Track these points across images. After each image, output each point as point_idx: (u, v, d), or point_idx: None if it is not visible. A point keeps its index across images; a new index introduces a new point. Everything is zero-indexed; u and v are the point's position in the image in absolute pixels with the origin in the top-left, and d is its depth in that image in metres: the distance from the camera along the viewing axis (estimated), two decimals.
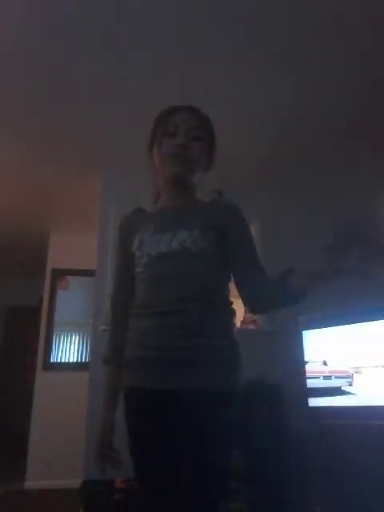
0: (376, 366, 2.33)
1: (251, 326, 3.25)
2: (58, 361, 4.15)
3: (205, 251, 1.09)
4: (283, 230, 3.41)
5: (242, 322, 3.38)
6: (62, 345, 4.20)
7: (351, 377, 2.42)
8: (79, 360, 4.17)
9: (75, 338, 4.25)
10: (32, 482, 3.52)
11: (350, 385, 2.42)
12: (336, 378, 2.49)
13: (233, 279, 1.17)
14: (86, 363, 3.81)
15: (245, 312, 3.38)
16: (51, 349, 4.14)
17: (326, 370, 2.54)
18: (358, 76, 2.42)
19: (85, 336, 4.17)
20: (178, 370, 1.00)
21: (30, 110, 2.67)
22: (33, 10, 1.98)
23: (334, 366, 2.53)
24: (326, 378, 2.54)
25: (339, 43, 2.19)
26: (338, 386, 2.46)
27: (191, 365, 1.00)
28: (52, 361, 4.11)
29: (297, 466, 2.44)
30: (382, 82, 2.46)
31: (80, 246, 4.02)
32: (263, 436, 2.53)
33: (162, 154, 1.17)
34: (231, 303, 1.16)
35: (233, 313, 1.16)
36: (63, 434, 3.55)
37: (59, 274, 4.33)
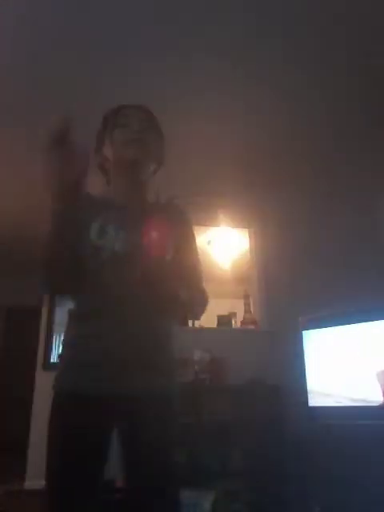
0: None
1: (251, 326, 3.25)
2: (58, 361, 4.14)
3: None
4: (283, 234, 3.42)
5: (242, 322, 3.38)
6: (54, 345, 4.19)
7: None
8: None
9: None
10: (32, 482, 3.51)
11: None
12: None
13: None
14: None
15: (245, 312, 3.39)
16: (51, 349, 4.14)
17: None
18: (357, 76, 2.42)
19: None
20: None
21: (30, 109, 2.67)
22: (33, 10, 1.98)
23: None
24: None
25: (339, 42, 2.20)
26: None
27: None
28: (52, 361, 4.11)
29: (297, 467, 2.44)
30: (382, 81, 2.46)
31: None
32: (263, 436, 2.53)
33: (118, 141, 1.15)
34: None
35: None
36: None
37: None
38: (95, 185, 1.16)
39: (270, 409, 2.59)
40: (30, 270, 5.29)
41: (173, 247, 1.10)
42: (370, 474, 2.08)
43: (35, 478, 3.51)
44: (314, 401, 2.55)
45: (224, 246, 4.32)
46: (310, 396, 2.56)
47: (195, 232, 1.26)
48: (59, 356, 1.16)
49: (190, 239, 1.22)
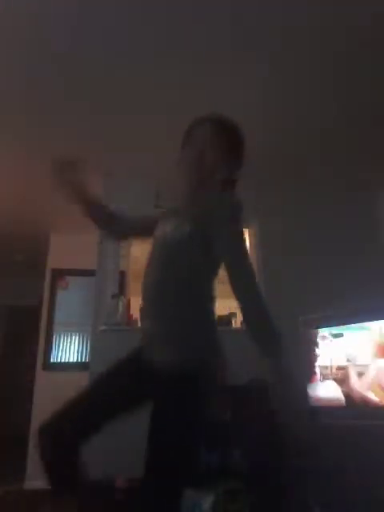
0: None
1: None
2: (58, 361, 4.15)
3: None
4: (282, 233, 3.42)
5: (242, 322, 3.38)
6: (61, 345, 4.20)
7: None
8: (79, 360, 4.16)
9: (75, 338, 4.25)
10: (32, 482, 3.52)
11: None
12: None
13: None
14: (86, 363, 3.81)
15: None
16: (51, 349, 4.14)
17: None
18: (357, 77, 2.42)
19: (85, 336, 4.17)
20: None
21: (30, 109, 2.67)
22: (33, 11, 1.98)
23: None
24: None
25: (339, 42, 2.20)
26: None
27: None
28: (52, 361, 4.11)
29: (297, 466, 2.44)
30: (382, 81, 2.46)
31: (80, 246, 4.02)
32: (263, 436, 2.53)
33: (180, 161, 1.32)
34: None
35: None
36: None
37: (59, 274, 4.33)
38: None
39: (269, 409, 2.59)
40: (30, 270, 5.31)
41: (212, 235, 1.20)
42: (370, 474, 2.08)
43: (35, 478, 3.52)
44: (314, 401, 2.55)
45: None
46: (310, 396, 2.57)
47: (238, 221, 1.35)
48: None
49: (228, 231, 1.23)
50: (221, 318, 3.51)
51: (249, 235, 3.65)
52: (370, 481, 2.08)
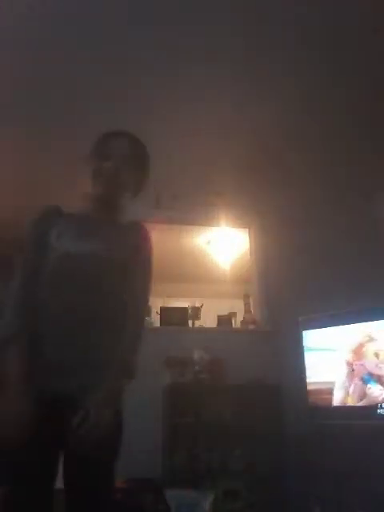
0: None
1: (251, 326, 3.25)
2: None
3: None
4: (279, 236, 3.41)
5: (242, 322, 3.38)
6: None
7: None
8: None
9: None
10: None
11: None
12: None
13: None
14: None
15: (245, 312, 3.39)
16: None
17: None
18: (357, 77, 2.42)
19: None
20: None
21: (30, 110, 2.67)
22: (34, 10, 1.98)
23: None
24: None
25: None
26: None
27: None
28: None
29: (297, 466, 2.44)
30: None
31: None
32: (263, 436, 2.53)
33: (94, 174, 1.27)
34: None
35: None
36: None
37: None
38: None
39: (270, 409, 2.59)
40: None
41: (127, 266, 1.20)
42: (369, 473, 2.08)
43: None
44: (313, 401, 2.55)
45: (224, 245, 4.32)
46: (309, 396, 2.57)
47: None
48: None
49: (143, 264, 1.26)
50: (221, 317, 3.51)
51: (249, 235, 3.65)
52: (370, 481, 2.08)
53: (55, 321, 1.12)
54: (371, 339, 2.39)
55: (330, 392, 2.49)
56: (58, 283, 1.16)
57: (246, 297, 3.42)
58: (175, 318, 3.25)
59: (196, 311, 3.46)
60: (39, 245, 1.22)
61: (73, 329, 1.11)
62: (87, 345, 1.10)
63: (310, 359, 2.63)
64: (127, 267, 1.20)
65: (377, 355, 2.35)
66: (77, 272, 1.16)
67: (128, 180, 1.29)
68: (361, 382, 2.38)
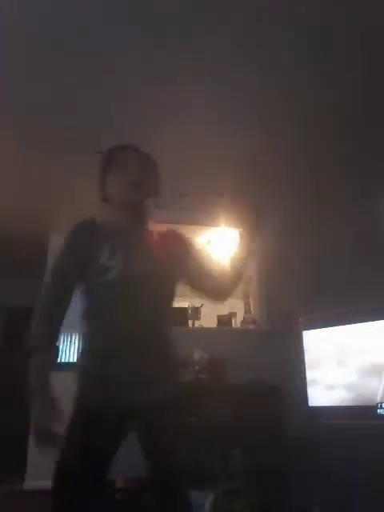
0: None
1: (251, 326, 3.25)
2: (58, 361, 4.14)
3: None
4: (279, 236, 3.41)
5: (242, 322, 3.38)
6: (62, 345, 4.20)
7: None
8: None
9: (75, 338, 4.24)
10: (32, 482, 3.51)
11: None
12: None
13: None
14: None
15: (245, 312, 3.39)
16: None
17: None
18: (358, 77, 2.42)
19: None
20: None
21: (30, 110, 2.67)
22: (33, 10, 1.98)
23: None
24: None
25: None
26: None
27: None
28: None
29: (297, 466, 2.44)
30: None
31: None
32: (263, 436, 2.53)
33: (117, 184, 1.31)
34: None
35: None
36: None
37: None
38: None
39: (269, 409, 2.59)
40: (30, 270, 5.30)
41: (179, 264, 1.31)
42: (369, 473, 2.08)
43: (35, 478, 3.51)
44: (313, 401, 2.55)
45: (224, 245, 4.32)
46: (309, 396, 2.57)
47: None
48: (77, 372, 1.30)
49: (191, 251, 1.38)
50: (221, 317, 3.51)
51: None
52: (370, 481, 2.08)
53: (118, 337, 1.18)
54: (370, 339, 2.39)
55: (330, 392, 2.49)
56: (116, 301, 1.21)
57: (246, 297, 3.43)
58: (175, 318, 3.25)
59: (196, 311, 3.46)
60: (73, 257, 1.25)
61: (135, 342, 1.18)
62: (148, 357, 1.19)
63: (309, 359, 2.63)
64: (177, 277, 1.31)
65: (376, 355, 2.35)
66: (134, 289, 1.20)
67: (150, 187, 1.35)
68: (361, 382, 2.38)
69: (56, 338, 1.19)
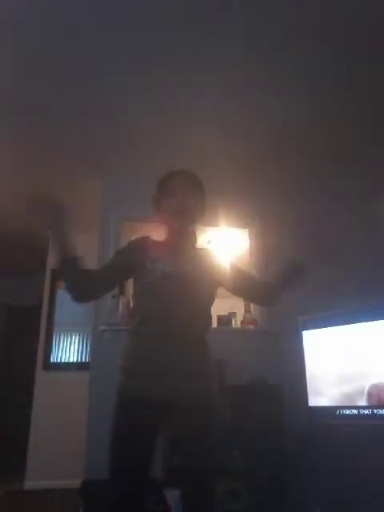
0: None
1: (251, 326, 3.25)
2: (58, 361, 4.15)
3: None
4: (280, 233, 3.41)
5: (242, 322, 3.38)
6: (61, 345, 4.20)
7: None
8: (79, 360, 4.16)
9: (75, 338, 4.24)
10: (32, 482, 3.51)
11: None
12: None
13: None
14: (86, 363, 3.81)
15: (245, 312, 3.39)
16: (51, 349, 4.13)
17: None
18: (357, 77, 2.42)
19: (85, 336, 4.17)
20: None
21: (30, 110, 2.67)
22: (33, 9, 1.98)
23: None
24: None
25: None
26: None
27: None
28: (52, 361, 4.11)
29: (297, 466, 2.44)
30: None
31: (80, 246, 4.00)
32: (263, 436, 2.53)
33: (166, 212, 1.44)
34: None
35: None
36: (63, 434, 3.55)
37: (59, 274, 4.32)
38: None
39: (270, 409, 2.59)
40: (30, 270, 5.31)
41: (218, 272, 1.46)
42: (369, 473, 2.08)
43: (35, 478, 3.52)
44: (314, 401, 2.55)
45: (224, 246, 4.32)
46: (309, 396, 2.57)
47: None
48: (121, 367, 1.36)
49: (231, 263, 1.54)
50: (221, 317, 3.51)
51: (249, 235, 3.65)
52: (370, 481, 2.08)
53: (156, 335, 1.29)
54: (370, 339, 2.39)
55: (330, 392, 2.49)
56: (156, 298, 1.33)
57: None
58: None
59: None
60: (122, 256, 1.45)
61: (173, 342, 1.28)
62: (185, 357, 1.29)
63: (309, 359, 2.63)
64: (216, 283, 1.45)
65: (376, 355, 2.35)
66: (171, 287, 1.32)
67: (195, 214, 1.46)
68: (361, 382, 2.38)
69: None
